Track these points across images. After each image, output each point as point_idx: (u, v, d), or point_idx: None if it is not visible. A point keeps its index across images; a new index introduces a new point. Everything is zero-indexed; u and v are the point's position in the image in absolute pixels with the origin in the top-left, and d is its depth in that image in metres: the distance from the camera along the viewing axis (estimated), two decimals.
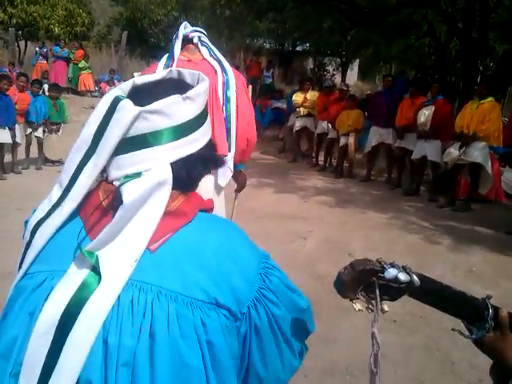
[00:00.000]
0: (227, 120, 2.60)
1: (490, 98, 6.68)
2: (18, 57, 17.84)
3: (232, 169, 2.71)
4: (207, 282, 0.83)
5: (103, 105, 0.87)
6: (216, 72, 2.59)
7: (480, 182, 6.79)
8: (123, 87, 0.92)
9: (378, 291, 0.89)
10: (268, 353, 0.92)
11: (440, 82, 9.40)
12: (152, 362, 0.77)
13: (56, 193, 0.89)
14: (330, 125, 9.28)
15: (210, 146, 0.96)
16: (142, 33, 21.68)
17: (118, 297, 0.79)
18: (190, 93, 0.89)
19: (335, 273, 0.91)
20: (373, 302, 0.90)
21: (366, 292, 0.90)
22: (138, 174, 0.85)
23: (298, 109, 9.99)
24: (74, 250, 0.82)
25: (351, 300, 0.93)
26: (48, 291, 0.81)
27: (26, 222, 0.92)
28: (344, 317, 3.50)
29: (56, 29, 19.08)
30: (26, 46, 19.14)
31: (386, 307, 0.90)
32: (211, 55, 2.66)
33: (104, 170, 0.88)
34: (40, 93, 8.71)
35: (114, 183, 0.87)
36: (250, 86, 3.65)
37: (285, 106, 12.28)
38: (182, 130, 0.88)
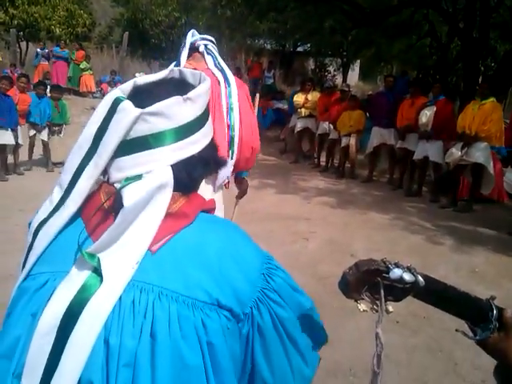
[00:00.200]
0: (231, 128, 2.62)
1: (492, 99, 6.67)
2: (19, 58, 17.87)
3: (229, 175, 2.74)
4: (209, 283, 0.82)
5: (104, 106, 0.87)
6: (219, 82, 2.62)
7: (482, 183, 6.78)
8: (124, 88, 0.92)
9: (382, 291, 0.89)
10: (274, 357, 0.90)
11: (441, 83, 9.38)
12: (153, 362, 0.77)
13: (57, 194, 0.89)
14: (331, 125, 9.28)
15: (212, 147, 0.95)
16: (143, 33, 21.69)
17: (120, 297, 0.79)
18: (190, 94, 0.88)
19: (338, 273, 0.91)
20: (377, 302, 0.90)
21: (371, 292, 0.90)
22: (138, 177, 0.84)
23: (299, 110, 9.99)
24: (76, 252, 0.82)
25: (356, 300, 0.92)
26: (50, 292, 0.81)
27: (30, 224, 0.92)
28: (347, 318, 3.50)
29: (57, 30, 19.11)
30: (27, 47, 19.17)
31: (390, 308, 0.90)
32: (216, 65, 2.69)
33: (105, 172, 0.88)
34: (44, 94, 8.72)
35: (115, 185, 0.87)
36: (258, 95, 3.66)
37: (286, 106, 12.29)
38: (183, 132, 0.88)
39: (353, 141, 8.66)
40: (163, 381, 0.77)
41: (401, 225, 6.17)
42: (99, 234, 0.82)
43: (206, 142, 0.93)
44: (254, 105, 2.95)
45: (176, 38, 21.48)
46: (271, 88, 14.87)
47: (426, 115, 7.39)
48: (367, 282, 0.89)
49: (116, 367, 0.76)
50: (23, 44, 19.12)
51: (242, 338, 0.87)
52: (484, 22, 9.58)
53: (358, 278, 0.89)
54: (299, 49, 21.89)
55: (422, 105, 7.54)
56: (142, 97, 0.88)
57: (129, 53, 19.47)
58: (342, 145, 8.87)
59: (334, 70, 22.31)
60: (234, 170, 2.74)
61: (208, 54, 2.70)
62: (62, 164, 8.53)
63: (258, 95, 3.56)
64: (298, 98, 10.06)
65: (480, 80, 9.72)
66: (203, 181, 0.98)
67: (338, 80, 19.08)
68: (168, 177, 0.85)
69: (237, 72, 15.91)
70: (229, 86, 2.65)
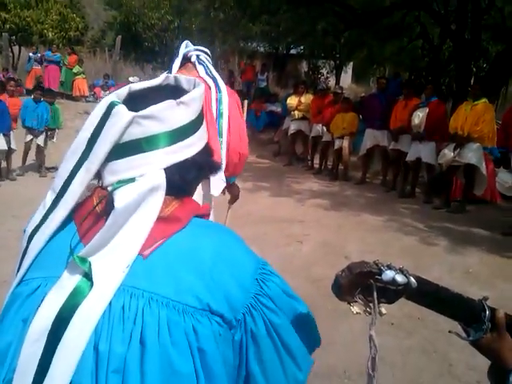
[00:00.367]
0: (219, 134, 2.65)
1: (484, 99, 6.71)
2: (11, 62, 17.79)
3: (224, 179, 2.75)
4: (200, 289, 0.82)
5: (98, 110, 0.87)
6: (210, 88, 2.65)
7: (475, 184, 6.80)
8: (119, 93, 0.92)
9: (375, 294, 0.89)
10: (268, 363, 0.89)
11: (434, 84, 9.43)
12: (142, 369, 0.77)
13: (50, 199, 0.89)
14: (324, 128, 9.30)
15: (206, 151, 0.95)
16: (136, 37, 21.66)
17: (110, 302, 0.78)
18: (184, 98, 0.88)
19: (332, 276, 0.91)
20: (370, 304, 0.90)
21: (364, 295, 0.90)
22: (131, 180, 0.84)
23: (292, 112, 10.01)
24: (68, 256, 0.82)
25: (349, 303, 0.92)
26: (41, 298, 0.81)
27: (25, 230, 0.92)
28: (341, 320, 3.50)
29: (50, 34, 19.07)
30: (19, 52, 19.08)
31: (383, 310, 0.90)
32: (207, 74, 2.74)
33: (99, 176, 0.88)
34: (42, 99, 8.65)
35: (107, 188, 0.86)
36: (246, 102, 3.70)
37: (279, 109, 12.31)
38: (177, 135, 0.88)
39: (346, 143, 8.69)
40: None
41: (394, 226, 6.19)
42: (90, 237, 0.82)
43: (200, 145, 0.93)
44: (242, 110, 2.98)
45: (169, 41, 21.49)
46: (264, 91, 14.90)
47: (419, 116, 7.42)
48: (360, 284, 0.89)
49: (105, 373, 0.76)
50: (16, 48, 19.03)
51: (235, 345, 0.86)
52: (476, 23, 9.65)
53: (350, 280, 0.88)
54: (292, 51, 21.94)
55: (415, 106, 7.57)
56: (137, 101, 0.89)
57: (122, 56, 19.42)
58: (336, 147, 8.89)
59: (327, 73, 22.37)
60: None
61: (200, 63, 2.75)
62: (54, 169, 8.49)
63: (246, 102, 3.59)
64: (292, 101, 10.08)
65: (472, 81, 9.79)
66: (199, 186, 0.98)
67: (331, 82, 19.12)
68: (160, 180, 0.85)
69: (230, 75, 15.99)
70: (219, 92, 2.69)
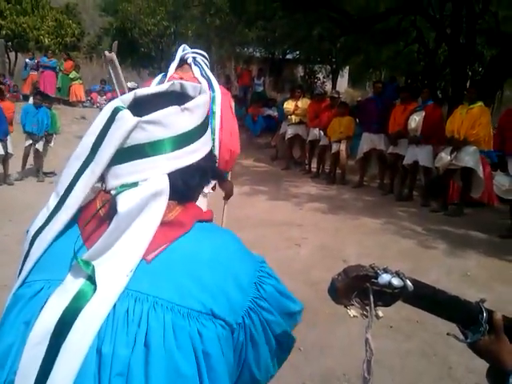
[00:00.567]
0: (212, 132, 2.74)
1: (480, 103, 6.73)
2: (8, 68, 17.79)
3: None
4: (203, 293, 0.83)
5: (103, 115, 0.88)
6: None
7: (472, 187, 6.81)
8: (124, 98, 0.92)
9: (371, 297, 0.89)
10: (262, 356, 0.94)
11: (430, 88, 9.46)
12: (147, 372, 0.77)
13: (53, 202, 0.89)
14: (321, 132, 9.33)
15: (210, 157, 0.96)
16: (133, 42, 21.66)
17: (114, 306, 0.79)
18: (188, 104, 0.89)
19: (330, 279, 0.91)
20: (367, 308, 0.90)
21: (360, 298, 0.90)
22: (134, 184, 0.85)
23: (289, 116, 10.03)
24: (71, 259, 0.82)
25: (346, 306, 0.93)
26: (44, 300, 0.81)
27: (27, 232, 0.93)
28: (340, 323, 3.49)
29: (46, 40, 19.06)
30: (16, 58, 19.08)
31: (380, 313, 0.90)
32: (202, 75, 2.82)
33: (103, 180, 0.89)
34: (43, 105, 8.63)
35: (111, 192, 0.87)
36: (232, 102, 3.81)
37: (276, 113, 12.34)
38: (181, 141, 0.89)
39: (343, 147, 8.71)
40: None
41: (392, 229, 6.19)
42: (94, 240, 0.82)
43: (204, 151, 0.94)
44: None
45: (165, 46, 21.53)
46: (261, 95, 14.94)
47: (415, 120, 7.44)
48: (356, 287, 0.89)
49: (108, 376, 0.76)
50: (12, 54, 19.03)
51: (236, 346, 0.87)
52: (470, 28, 9.69)
53: (347, 283, 0.89)
54: (288, 56, 22.00)
55: (412, 110, 7.60)
56: (142, 107, 0.89)
57: (118, 59, 19.39)
58: (333, 151, 8.91)
59: (324, 77, 22.43)
60: None
61: (195, 65, 2.84)
62: (52, 174, 8.49)
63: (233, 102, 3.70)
64: (288, 105, 10.10)
65: (468, 85, 9.80)
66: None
67: (328, 87, 19.20)
68: (164, 185, 0.86)
69: (227, 80, 16.03)
70: (213, 91, 2.78)
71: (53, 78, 15.52)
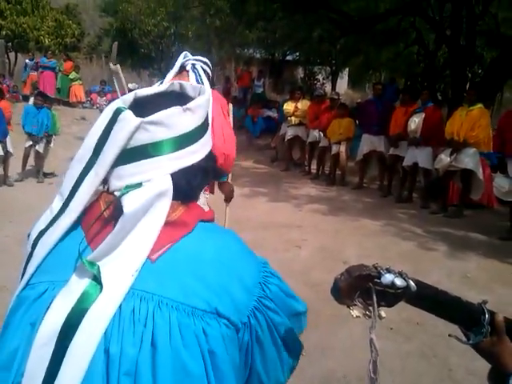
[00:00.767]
0: None
1: (480, 105, 6.74)
2: (8, 69, 17.80)
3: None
4: (208, 292, 0.83)
5: (105, 116, 0.88)
6: None
7: (472, 188, 6.81)
8: (125, 99, 0.93)
9: (374, 297, 0.89)
10: (269, 360, 0.93)
11: (429, 90, 9.47)
12: (154, 370, 0.77)
13: (57, 204, 0.89)
14: (321, 133, 9.33)
15: (211, 157, 0.97)
16: (133, 43, 21.67)
17: (120, 306, 0.79)
18: (190, 104, 0.90)
19: (330, 280, 0.91)
20: (370, 308, 0.90)
21: (363, 298, 0.90)
22: (138, 185, 0.85)
23: (289, 118, 10.03)
24: (76, 261, 0.82)
25: (348, 306, 0.92)
26: (49, 301, 0.81)
27: (29, 234, 0.93)
28: (340, 325, 3.49)
29: (46, 40, 19.07)
30: (16, 58, 19.10)
31: (383, 313, 0.90)
32: (197, 81, 2.82)
33: (105, 181, 0.89)
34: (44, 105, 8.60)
35: (114, 193, 0.87)
36: (230, 105, 3.80)
37: (276, 115, 12.34)
38: (183, 141, 0.89)
39: (343, 148, 8.71)
40: None
41: (392, 231, 6.19)
42: (98, 242, 0.82)
43: (205, 151, 0.94)
44: (228, 114, 3.07)
45: (165, 47, 21.55)
46: (261, 96, 14.95)
47: (415, 122, 7.45)
48: (359, 287, 0.89)
49: (117, 376, 0.76)
50: (12, 55, 19.05)
51: (242, 346, 0.87)
52: (470, 29, 9.70)
53: (349, 283, 0.89)
54: (288, 57, 22.02)
55: (412, 112, 7.60)
56: (143, 107, 0.90)
57: (118, 63, 19.40)
58: (333, 152, 8.91)
59: (323, 79, 22.44)
60: None
61: (193, 71, 2.84)
62: (52, 175, 8.49)
63: (230, 105, 3.67)
64: (288, 107, 10.10)
65: (467, 86, 9.81)
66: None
67: (327, 88, 19.18)
68: (167, 185, 0.86)
69: (227, 81, 16.04)
70: None
71: (52, 78, 15.53)
